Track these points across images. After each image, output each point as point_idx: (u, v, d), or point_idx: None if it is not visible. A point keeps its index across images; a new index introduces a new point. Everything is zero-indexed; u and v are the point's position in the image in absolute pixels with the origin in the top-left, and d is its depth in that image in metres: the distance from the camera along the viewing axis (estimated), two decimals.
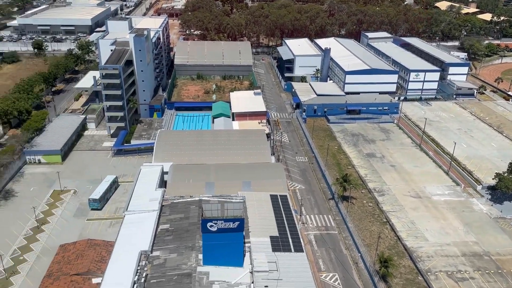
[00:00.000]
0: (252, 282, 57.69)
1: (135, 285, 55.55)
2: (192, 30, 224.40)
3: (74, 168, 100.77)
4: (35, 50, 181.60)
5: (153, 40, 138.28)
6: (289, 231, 69.14)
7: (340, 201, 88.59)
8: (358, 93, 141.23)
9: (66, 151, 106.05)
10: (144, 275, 57.31)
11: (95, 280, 61.67)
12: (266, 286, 57.10)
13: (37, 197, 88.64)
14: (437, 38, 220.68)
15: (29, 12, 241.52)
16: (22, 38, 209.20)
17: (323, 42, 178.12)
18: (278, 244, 65.80)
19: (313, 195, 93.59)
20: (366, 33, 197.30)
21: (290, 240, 67.04)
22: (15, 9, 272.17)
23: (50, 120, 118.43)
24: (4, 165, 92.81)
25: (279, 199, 77.89)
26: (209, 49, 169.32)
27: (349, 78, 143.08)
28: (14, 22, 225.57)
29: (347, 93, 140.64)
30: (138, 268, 58.43)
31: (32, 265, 71.04)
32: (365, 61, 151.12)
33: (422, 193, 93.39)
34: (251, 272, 59.54)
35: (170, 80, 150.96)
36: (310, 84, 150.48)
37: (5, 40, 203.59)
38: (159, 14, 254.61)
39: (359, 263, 73.54)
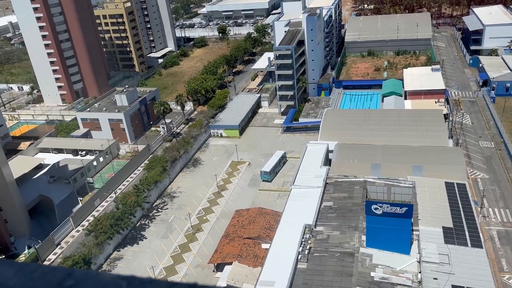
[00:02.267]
0: (419, 272, 54.13)
1: (299, 256, 58.22)
2: (365, 5, 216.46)
3: (249, 142, 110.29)
4: (220, 34, 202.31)
5: (325, 19, 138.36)
6: (466, 224, 62.09)
7: None
8: None
9: (243, 127, 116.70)
10: (308, 248, 59.58)
11: (264, 246, 67.17)
12: (435, 279, 52.81)
13: (218, 166, 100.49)
14: None
15: None
16: (210, 24, 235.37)
17: None
18: (452, 236, 59.82)
19: (499, 186, 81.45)
20: None
21: (466, 233, 60.22)
22: None
23: (231, 98, 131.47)
24: (194, 137, 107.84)
25: (456, 187, 70.24)
26: (383, 24, 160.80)
27: None
28: (204, 10, 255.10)
29: None
30: (303, 240, 60.88)
31: (213, 225, 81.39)
32: None
33: None
34: (419, 262, 55.87)
35: (339, 58, 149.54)
36: (502, 57, 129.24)
37: (196, 26, 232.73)
38: None
39: None
